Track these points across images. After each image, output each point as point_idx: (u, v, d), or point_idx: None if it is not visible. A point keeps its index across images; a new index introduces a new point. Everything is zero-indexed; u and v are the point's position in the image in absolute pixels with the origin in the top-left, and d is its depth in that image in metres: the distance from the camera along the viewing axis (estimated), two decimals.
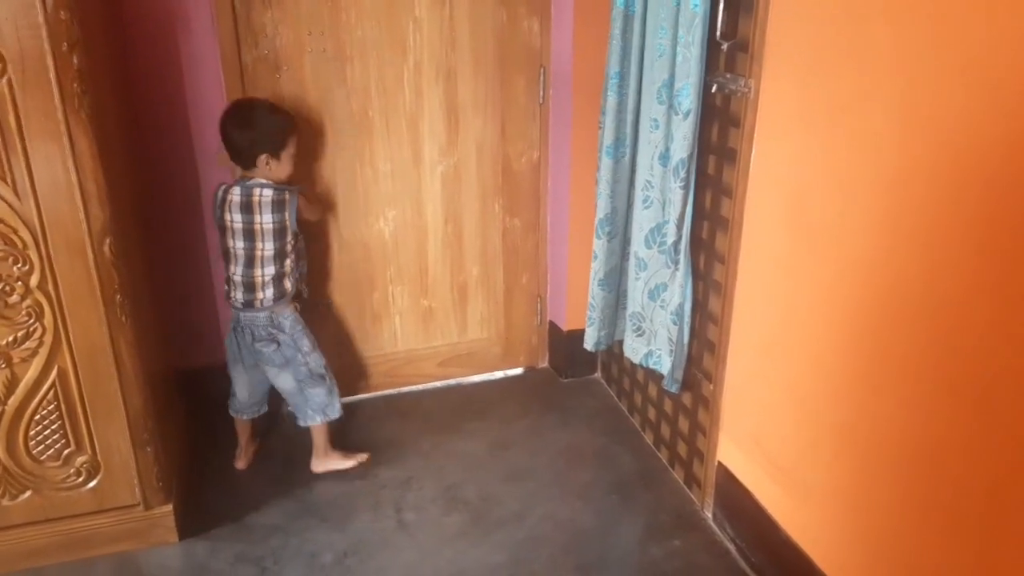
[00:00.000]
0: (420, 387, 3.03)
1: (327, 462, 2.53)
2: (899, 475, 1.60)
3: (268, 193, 2.22)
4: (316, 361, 2.41)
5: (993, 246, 1.31)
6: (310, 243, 2.61)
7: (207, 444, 2.64)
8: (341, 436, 2.70)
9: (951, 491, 1.47)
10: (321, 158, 2.58)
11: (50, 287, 1.88)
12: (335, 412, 2.49)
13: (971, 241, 1.35)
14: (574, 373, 3.07)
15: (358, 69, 2.53)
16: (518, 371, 3.17)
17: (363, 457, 2.58)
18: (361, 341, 2.90)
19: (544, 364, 3.19)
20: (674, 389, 2.30)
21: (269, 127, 2.23)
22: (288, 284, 2.33)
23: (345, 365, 2.87)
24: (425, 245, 2.85)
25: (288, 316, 2.35)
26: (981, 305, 1.35)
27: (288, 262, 2.31)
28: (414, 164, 2.72)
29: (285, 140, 2.25)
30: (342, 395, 2.78)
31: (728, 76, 1.99)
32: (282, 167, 2.27)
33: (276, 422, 2.78)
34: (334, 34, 2.47)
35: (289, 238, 2.30)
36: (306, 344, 2.38)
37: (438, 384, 3.06)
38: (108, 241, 1.89)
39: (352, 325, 2.86)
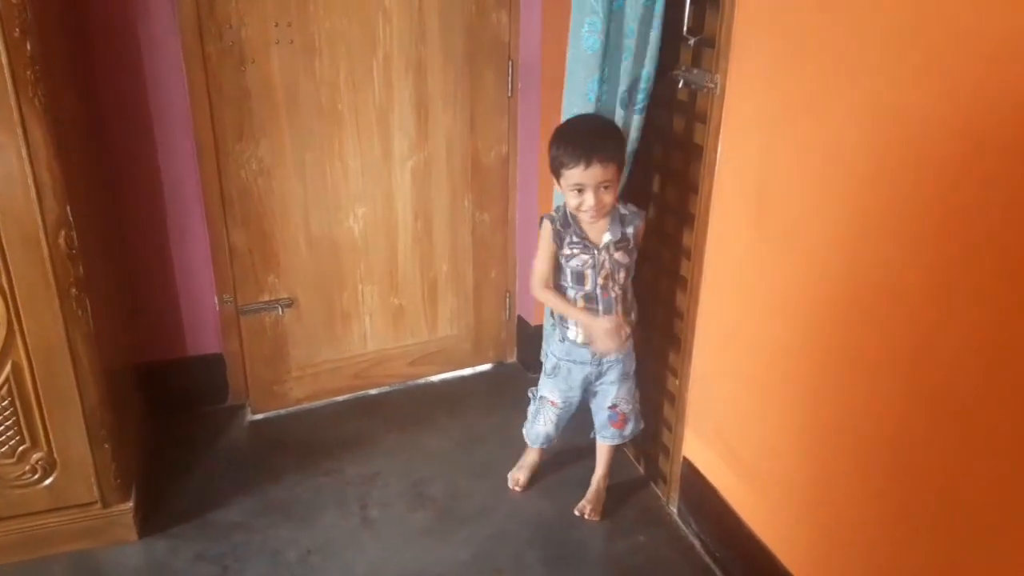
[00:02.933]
0: (389, 388, 2.99)
1: None
2: (857, 469, 1.61)
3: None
4: None
5: (956, 242, 1.32)
6: (272, 241, 2.58)
7: (167, 440, 2.60)
8: (307, 438, 2.68)
9: (908, 484, 1.48)
10: (289, 154, 2.52)
11: (3, 281, 1.83)
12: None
13: (934, 238, 1.36)
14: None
15: (327, 62, 2.48)
16: (487, 367, 3.16)
17: None
18: (329, 343, 2.83)
19: (512, 359, 3.18)
20: None
21: None
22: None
23: (311, 370, 2.82)
24: (395, 242, 2.80)
25: None
26: (941, 300, 1.36)
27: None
28: (384, 159, 2.67)
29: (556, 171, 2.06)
30: (306, 400, 2.76)
31: (695, 71, 1.99)
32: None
33: (236, 416, 2.74)
34: (302, 25, 2.40)
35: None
36: None
37: (408, 384, 3.03)
38: (63, 233, 1.84)
39: (320, 327, 2.79)
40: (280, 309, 2.68)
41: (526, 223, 2.91)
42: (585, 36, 2.04)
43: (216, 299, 2.64)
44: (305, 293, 2.72)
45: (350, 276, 2.77)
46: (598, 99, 2.10)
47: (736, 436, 2.02)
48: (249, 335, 2.68)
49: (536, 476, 2.49)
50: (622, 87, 2.05)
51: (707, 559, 2.17)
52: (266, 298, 2.66)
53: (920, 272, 1.39)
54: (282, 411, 2.81)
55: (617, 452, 2.43)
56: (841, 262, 1.58)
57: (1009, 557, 1.29)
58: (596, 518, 2.32)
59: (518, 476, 2.46)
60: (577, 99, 2.13)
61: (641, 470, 2.52)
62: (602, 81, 2.09)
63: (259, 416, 2.77)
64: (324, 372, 2.86)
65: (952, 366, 1.35)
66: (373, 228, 2.74)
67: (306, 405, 2.84)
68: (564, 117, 2.17)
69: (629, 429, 2.31)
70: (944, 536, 1.42)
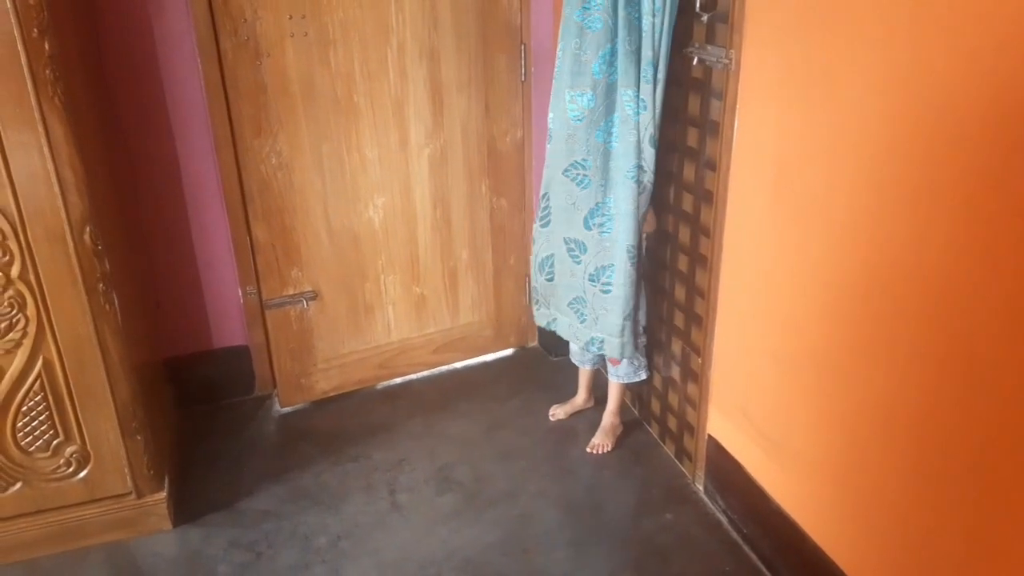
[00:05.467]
0: (413, 376, 3.01)
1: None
2: (886, 443, 1.60)
3: None
4: None
5: (977, 212, 1.31)
6: (294, 234, 2.59)
7: (196, 431, 2.64)
8: (332, 426, 2.71)
9: (938, 456, 1.47)
10: (307, 146, 2.52)
11: (31, 277, 1.87)
12: None
13: (955, 208, 1.35)
14: (563, 351, 3.05)
15: (341, 53, 2.47)
16: (508, 352, 3.17)
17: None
18: (353, 334, 2.84)
19: (534, 343, 3.19)
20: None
21: None
22: None
23: (337, 362, 2.83)
24: (415, 231, 2.80)
25: None
26: (966, 271, 1.35)
27: None
28: (401, 148, 2.67)
29: None
30: (332, 392, 2.79)
31: (709, 48, 1.98)
32: None
33: (262, 406, 2.78)
34: (316, 16, 2.40)
35: None
36: None
37: (431, 372, 3.04)
38: (88, 229, 1.87)
39: (344, 318, 2.80)
40: (304, 302, 2.69)
41: None
42: (580, 15, 2.03)
43: (240, 291, 2.67)
44: (328, 285, 2.73)
45: (371, 267, 2.78)
46: (605, 77, 2.08)
47: (761, 412, 2.02)
48: (275, 329, 2.70)
49: (559, 456, 2.51)
50: (644, 64, 2.02)
51: (735, 535, 2.17)
52: (290, 292, 2.67)
53: (945, 242, 1.38)
54: (309, 403, 2.83)
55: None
56: (861, 235, 1.57)
57: None
58: (608, 448, 2.53)
59: (557, 411, 2.72)
60: (583, 79, 2.11)
61: (667, 449, 2.53)
62: (610, 60, 2.07)
63: (287, 409, 2.79)
64: (349, 363, 2.87)
65: (981, 337, 1.34)
66: (392, 218, 2.75)
67: (332, 395, 2.87)
68: (565, 96, 2.14)
69: (623, 370, 2.48)
70: (976, 509, 1.41)
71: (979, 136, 1.28)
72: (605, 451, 2.52)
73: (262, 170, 2.49)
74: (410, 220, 2.78)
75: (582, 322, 2.38)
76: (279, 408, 2.78)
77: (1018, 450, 1.30)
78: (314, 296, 2.71)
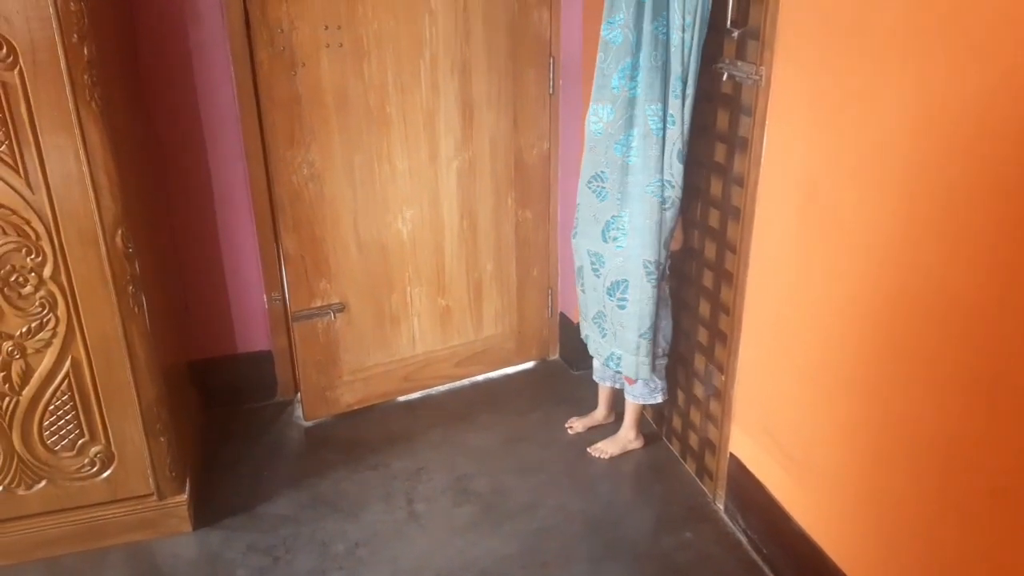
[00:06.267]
0: (435, 389, 3.00)
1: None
2: (911, 465, 1.58)
3: None
4: None
5: (1008, 235, 1.29)
6: (323, 245, 2.58)
7: (217, 435, 2.66)
8: (352, 434, 2.72)
9: (964, 482, 1.45)
10: (339, 157, 2.52)
11: (63, 278, 1.90)
12: None
13: (986, 230, 1.33)
14: (585, 365, 3.05)
15: (375, 64, 2.48)
16: (530, 364, 3.16)
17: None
18: (379, 346, 2.82)
19: (555, 356, 3.19)
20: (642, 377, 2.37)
21: None
22: None
23: (362, 375, 2.81)
24: (442, 243, 2.79)
25: None
26: (995, 296, 1.33)
27: None
28: (430, 160, 2.67)
29: None
30: (357, 404, 2.79)
31: (739, 64, 1.97)
32: None
33: (284, 412, 2.79)
34: (351, 27, 2.41)
35: None
36: None
37: (453, 384, 3.03)
38: (120, 232, 1.90)
39: (370, 330, 2.77)
40: (332, 314, 2.66)
41: (567, 220, 2.91)
42: (606, 29, 2.04)
43: (265, 297, 2.69)
44: (356, 297, 2.71)
45: (399, 279, 2.76)
46: (625, 91, 2.08)
47: (784, 432, 2.00)
48: (302, 341, 2.66)
49: (579, 470, 2.50)
50: (673, 79, 2.02)
51: (754, 555, 2.15)
52: (318, 304, 2.64)
53: (975, 265, 1.36)
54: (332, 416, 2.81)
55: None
56: (892, 254, 1.56)
57: None
58: (607, 455, 2.56)
59: (575, 424, 2.73)
60: (604, 92, 2.12)
61: (688, 467, 2.50)
62: (631, 74, 2.06)
63: (311, 423, 2.76)
64: (374, 376, 2.85)
65: (1008, 357, 1.32)
66: (420, 230, 2.73)
67: (356, 408, 2.85)
68: (590, 108, 2.16)
69: (638, 390, 2.47)
70: (1000, 534, 1.39)
71: (1010, 156, 1.26)
72: (604, 457, 2.55)
73: (294, 181, 2.48)
74: (437, 232, 2.78)
75: (603, 336, 2.37)
76: (304, 423, 2.75)
77: None
78: (342, 308, 2.68)
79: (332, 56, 2.42)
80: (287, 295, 2.62)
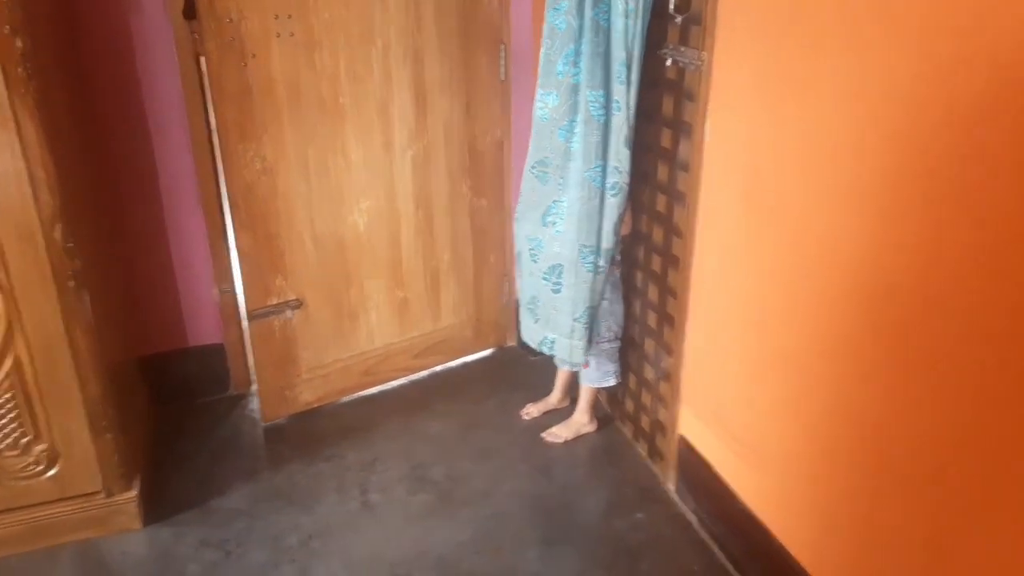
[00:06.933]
0: (396, 383, 2.97)
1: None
2: (849, 444, 1.62)
3: None
4: None
5: (945, 217, 1.32)
6: (278, 241, 2.51)
7: (169, 430, 2.63)
8: (307, 426, 2.70)
9: (902, 460, 1.49)
10: (292, 150, 2.46)
11: (1, 275, 1.86)
12: None
13: (923, 212, 1.36)
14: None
15: (327, 53, 2.42)
16: (488, 352, 3.17)
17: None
18: (337, 342, 2.77)
19: (512, 343, 3.20)
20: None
21: None
22: None
23: (321, 372, 2.76)
24: (398, 234, 2.76)
25: None
26: (931, 276, 1.36)
27: None
28: (385, 150, 2.63)
29: None
30: (316, 403, 2.75)
31: (682, 49, 1.99)
32: None
33: (237, 406, 2.77)
34: (302, 16, 2.35)
35: None
36: None
37: (413, 376, 3.02)
38: (59, 227, 1.87)
39: (328, 326, 2.73)
40: (289, 311, 2.60)
41: None
42: (552, 15, 2.05)
43: (215, 290, 2.66)
44: (312, 293, 2.65)
45: (355, 272, 2.72)
46: (569, 77, 2.08)
47: (731, 414, 2.03)
48: (258, 340, 2.59)
49: (534, 456, 2.52)
50: (618, 65, 2.03)
51: (704, 535, 2.18)
52: (274, 301, 2.57)
53: (911, 248, 1.39)
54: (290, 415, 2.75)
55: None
56: (828, 239, 1.59)
57: (994, 530, 1.30)
58: (561, 439, 2.59)
59: (531, 409, 2.75)
60: (549, 79, 2.12)
61: (640, 449, 2.54)
62: (574, 60, 2.06)
63: (269, 424, 2.69)
64: (333, 372, 2.80)
65: (945, 340, 1.35)
66: (377, 221, 2.69)
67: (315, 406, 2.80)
68: (537, 95, 2.16)
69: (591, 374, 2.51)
70: (935, 511, 1.43)
71: (947, 139, 1.29)
72: (557, 441, 2.57)
73: (246, 175, 2.40)
74: (394, 223, 2.74)
75: (535, 321, 2.39)
76: (262, 424, 2.68)
77: (980, 454, 1.31)
78: (298, 304, 2.62)
79: (283, 46, 2.35)
80: (242, 293, 2.57)
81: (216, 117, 2.36)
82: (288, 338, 2.66)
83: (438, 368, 3.07)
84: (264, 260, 2.53)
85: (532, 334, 2.44)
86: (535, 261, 2.31)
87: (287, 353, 2.67)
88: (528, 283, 2.38)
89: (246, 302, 2.55)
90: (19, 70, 1.72)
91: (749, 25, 1.76)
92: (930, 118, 1.31)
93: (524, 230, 2.32)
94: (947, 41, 1.26)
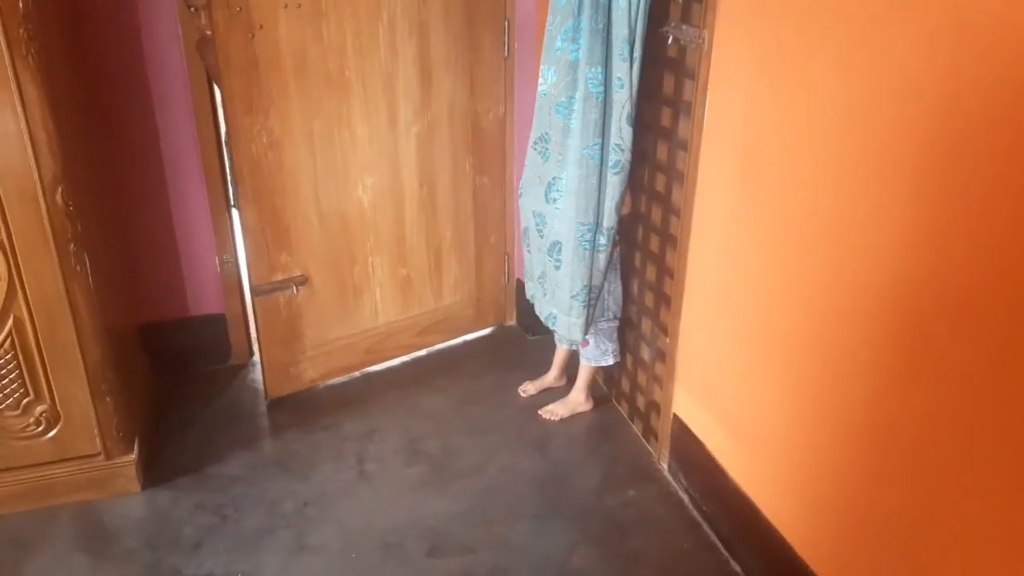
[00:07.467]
0: (397, 361, 2.98)
1: None
2: (838, 426, 1.62)
3: None
4: None
5: (931, 198, 1.31)
6: (283, 216, 2.50)
7: (170, 397, 2.66)
8: (306, 397, 2.73)
9: (887, 441, 1.49)
10: (298, 124, 2.44)
11: (2, 236, 1.88)
12: None
13: (918, 191, 1.35)
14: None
15: (334, 26, 2.40)
16: (488, 331, 3.19)
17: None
18: (341, 319, 2.76)
19: (512, 322, 3.21)
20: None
21: None
22: None
23: (325, 348, 2.75)
24: (402, 211, 2.75)
25: None
26: (926, 256, 1.36)
27: None
28: (390, 126, 2.61)
29: None
30: (320, 380, 2.77)
31: (684, 27, 1.98)
32: None
33: (238, 375, 2.79)
34: None
35: None
36: None
37: (415, 354, 3.03)
38: (60, 190, 1.89)
39: (333, 303, 2.71)
40: (294, 288, 2.58)
41: None
42: None
43: (217, 260, 2.68)
44: (318, 269, 2.64)
45: (360, 249, 2.70)
46: (567, 54, 2.07)
47: (724, 393, 2.04)
48: (264, 317, 2.57)
49: (529, 432, 2.54)
50: (620, 42, 2.02)
51: (695, 513, 2.19)
52: (279, 277, 2.55)
53: (908, 226, 1.39)
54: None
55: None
56: (823, 221, 1.58)
57: (969, 506, 1.31)
58: (557, 417, 2.60)
59: (528, 387, 2.77)
60: (550, 55, 2.12)
61: (635, 428, 2.55)
62: (573, 37, 2.05)
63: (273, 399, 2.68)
64: (337, 350, 2.80)
65: (931, 325, 1.35)
66: (381, 198, 2.68)
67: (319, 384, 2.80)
68: (540, 70, 2.16)
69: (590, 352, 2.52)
70: (915, 488, 1.43)
71: (940, 116, 1.29)
72: (554, 419, 2.59)
73: (253, 149, 2.38)
74: (398, 200, 2.73)
75: (544, 296, 2.40)
76: (266, 400, 2.67)
77: (961, 435, 1.32)
78: (303, 281, 2.61)
79: (290, 17, 2.32)
80: (245, 265, 2.55)
81: (222, 89, 2.33)
82: (293, 315, 2.64)
83: (438, 346, 3.08)
84: (270, 235, 2.51)
85: (541, 308, 2.46)
86: (542, 237, 2.32)
87: (292, 330, 2.66)
88: (537, 259, 2.40)
89: (251, 278, 2.53)
90: (21, 31, 1.74)
91: (750, 2, 1.75)
92: (930, 94, 1.30)
93: (529, 205, 2.34)
94: (947, 17, 1.25)
